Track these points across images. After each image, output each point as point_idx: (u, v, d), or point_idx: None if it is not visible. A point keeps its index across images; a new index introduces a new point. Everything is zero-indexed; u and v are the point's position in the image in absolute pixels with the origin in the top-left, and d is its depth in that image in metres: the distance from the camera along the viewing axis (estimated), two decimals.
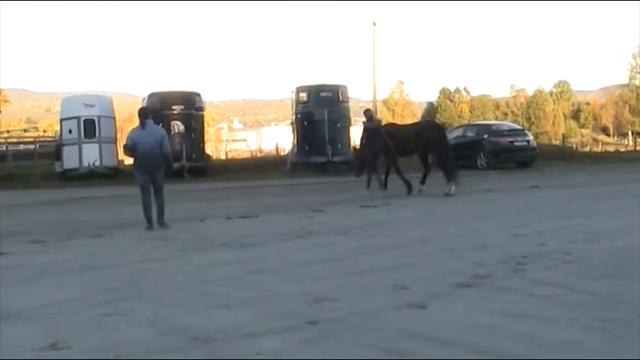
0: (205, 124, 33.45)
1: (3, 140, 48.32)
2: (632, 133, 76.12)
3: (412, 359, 4.36)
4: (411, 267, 7.38)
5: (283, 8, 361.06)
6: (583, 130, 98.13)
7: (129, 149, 11.79)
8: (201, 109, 29.57)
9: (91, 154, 27.20)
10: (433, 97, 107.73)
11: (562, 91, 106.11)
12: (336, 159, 27.50)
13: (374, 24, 40.16)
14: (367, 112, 17.86)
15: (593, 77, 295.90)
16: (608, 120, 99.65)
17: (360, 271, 7.23)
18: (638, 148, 49.34)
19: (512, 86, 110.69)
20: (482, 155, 27.56)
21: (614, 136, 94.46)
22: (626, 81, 76.92)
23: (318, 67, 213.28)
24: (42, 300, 6.34)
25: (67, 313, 5.87)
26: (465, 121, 73.79)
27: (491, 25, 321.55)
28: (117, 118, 31.20)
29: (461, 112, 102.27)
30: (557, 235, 9.15)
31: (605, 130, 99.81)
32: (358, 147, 19.36)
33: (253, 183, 24.13)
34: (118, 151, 28.05)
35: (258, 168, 30.33)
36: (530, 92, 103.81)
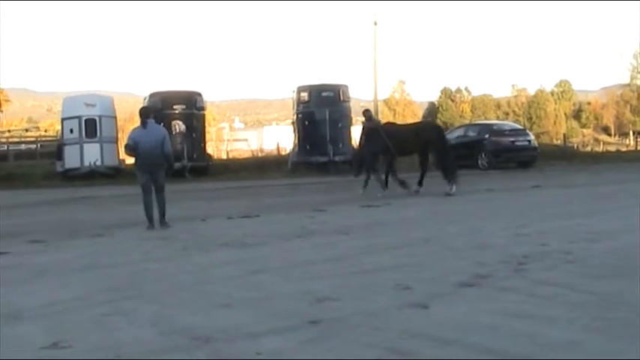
0: (206, 124, 33.46)
1: (4, 140, 48.28)
2: (634, 133, 76.09)
3: (414, 359, 4.35)
4: (413, 267, 7.38)
5: (284, 8, 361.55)
6: (584, 130, 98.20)
7: (130, 149, 11.79)
8: (203, 108, 29.55)
9: (92, 154, 27.20)
10: (434, 96, 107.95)
11: (563, 90, 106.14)
12: (337, 159, 27.48)
13: (375, 24, 40.07)
14: (366, 112, 17.86)
15: (595, 77, 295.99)
16: (609, 120, 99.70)
17: (362, 271, 7.23)
18: (639, 147, 49.28)
19: (513, 86, 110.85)
20: (483, 155, 27.55)
21: (615, 135, 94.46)
22: (627, 81, 76.87)
23: (319, 66, 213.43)
24: (43, 300, 6.35)
25: (68, 312, 5.87)
26: (467, 121, 73.73)
27: (493, 24, 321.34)
28: (118, 118, 31.16)
29: (462, 111, 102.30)
30: (559, 235, 9.14)
31: (606, 130, 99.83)
32: (357, 147, 19.42)
33: (254, 183, 24.13)
34: (119, 151, 28.05)
35: (260, 168, 30.33)
36: (532, 92, 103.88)
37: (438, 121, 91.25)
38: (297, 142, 29.57)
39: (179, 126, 27.69)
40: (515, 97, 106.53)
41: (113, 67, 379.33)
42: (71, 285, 7.09)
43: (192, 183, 24.39)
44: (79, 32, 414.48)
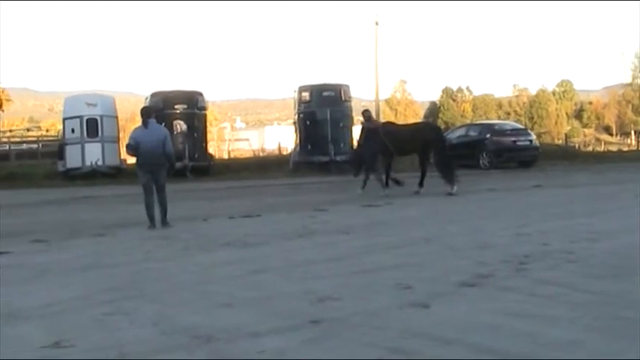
0: (208, 124, 33.48)
1: (6, 139, 48.41)
2: (635, 133, 76.17)
3: (415, 359, 4.35)
4: (414, 266, 7.37)
5: (286, 8, 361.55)
6: (586, 130, 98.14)
7: (131, 148, 11.80)
8: (204, 108, 29.58)
9: (93, 154, 27.25)
10: (436, 96, 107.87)
11: (565, 90, 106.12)
12: (338, 158, 27.49)
13: (376, 23, 40.06)
14: (366, 112, 17.89)
15: (596, 77, 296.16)
16: (610, 119, 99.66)
17: (363, 271, 7.23)
18: None
19: (514, 86, 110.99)
20: (484, 155, 27.58)
21: (616, 135, 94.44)
22: (629, 80, 77.03)
23: (320, 66, 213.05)
24: (45, 299, 6.35)
25: (69, 312, 5.87)
26: (468, 121, 73.76)
27: (494, 24, 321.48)
28: (119, 118, 31.21)
29: (463, 111, 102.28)
30: (560, 235, 9.14)
31: (607, 130, 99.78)
32: (355, 147, 19.49)
33: (256, 182, 24.16)
34: (120, 151, 28.10)
35: (261, 167, 30.36)
36: (533, 92, 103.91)
37: (440, 121, 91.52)
38: (298, 141, 29.59)
39: (180, 126, 27.74)
40: (517, 96, 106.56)
41: (114, 66, 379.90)
42: (72, 284, 7.10)
43: (193, 183, 24.41)
44: (80, 32, 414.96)
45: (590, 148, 54.69)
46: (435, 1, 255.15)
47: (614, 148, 56.68)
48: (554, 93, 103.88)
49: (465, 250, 8.25)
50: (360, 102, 51.50)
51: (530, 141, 29.04)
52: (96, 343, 4.86)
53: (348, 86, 29.85)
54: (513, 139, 28.29)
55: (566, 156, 33.04)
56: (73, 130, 27.67)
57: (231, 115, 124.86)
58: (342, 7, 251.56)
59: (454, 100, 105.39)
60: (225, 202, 16.94)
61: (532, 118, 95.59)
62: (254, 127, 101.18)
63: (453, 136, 30.21)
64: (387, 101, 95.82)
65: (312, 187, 21.39)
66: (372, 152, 16.67)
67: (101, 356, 4.57)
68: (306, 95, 28.93)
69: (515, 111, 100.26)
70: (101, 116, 27.75)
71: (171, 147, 12.02)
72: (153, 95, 28.30)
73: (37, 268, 8.16)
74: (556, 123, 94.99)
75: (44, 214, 15.30)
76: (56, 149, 30.22)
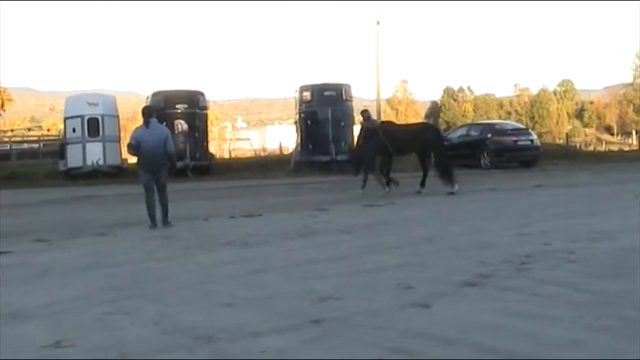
0: (209, 123, 33.47)
1: (7, 139, 48.43)
2: (636, 133, 76.06)
3: (416, 358, 4.35)
4: (416, 266, 7.37)
5: (287, 7, 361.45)
6: (587, 130, 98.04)
7: (133, 148, 11.80)
8: (205, 107, 29.57)
9: (94, 153, 27.25)
10: (437, 96, 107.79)
11: (566, 90, 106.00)
12: (339, 158, 27.47)
13: (378, 23, 40.05)
14: (364, 112, 17.92)
15: (597, 76, 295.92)
16: (612, 119, 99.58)
17: (364, 270, 7.22)
18: None
19: (515, 85, 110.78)
20: (485, 154, 27.56)
21: (617, 135, 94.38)
22: (630, 80, 76.78)
23: (321, 66, 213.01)
24: (46, 298, 6.35)
25: (70, 311, 5.88)
26: (469, 121, 73.75)
27: (495, 24, 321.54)
28: (120, 117, 31.24)
29: (464, 111, 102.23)
30: (561, 235, 9.13)
31: (608, 130, 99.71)
32: (354, 147, 19.54)
33: (257, 182, 24.16)
34: (121, 150, 28.12)
35: (262, 167, 30.36)
36: (534, 91, 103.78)
37: (441, 121, 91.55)
38: (299, 141, 29.60)
39: (182, 125, 27.74)
40: (518, 96, 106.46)
41: (116, 66, 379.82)
42: (74, 284, 7.10)
43: (194, 182, 24.41)
44: (81, 31, 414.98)
45: (591, 148, 54.62)
46: (437, 1, 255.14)
47: (615, 148, 56.64)
48: (555, 93, 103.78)
49: (467, 250, 8.25)
50: (362, 101, 51.53)
51: (532, 141, 29.02)
52: (97, 343, 4.87)
53: (349, 86, 29.85)
54: (514, 138, 28.27)
55: (567, 156, 33.01)
56: (74, 130, 27.68)
57: (232, 115, 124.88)
58: (343, 6, 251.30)
59: (455, 100, 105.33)
60: (226, 201, 16.94)
61: (533, 117, 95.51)
62: (255, 127, 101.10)
63: (454, 135, 30.21)
64: (389, 101, 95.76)
65: (313, 186, 21.40)
66: (371, 152, 16.70)
67: (102, 356, 4.57)
68: (307, 95, 28.92)
69: (516, 111, 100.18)
70: (102, 116, 27.75)
71: (173, 146, 12.02)
72: (154, 95, 28.31)
73: (39, 267, 8.17)
74: (557, 123, 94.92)
75: (45, 214, 15.31)
76: (57, 149, 30.22)
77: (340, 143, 28.03)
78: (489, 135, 28.22)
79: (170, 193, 12.09)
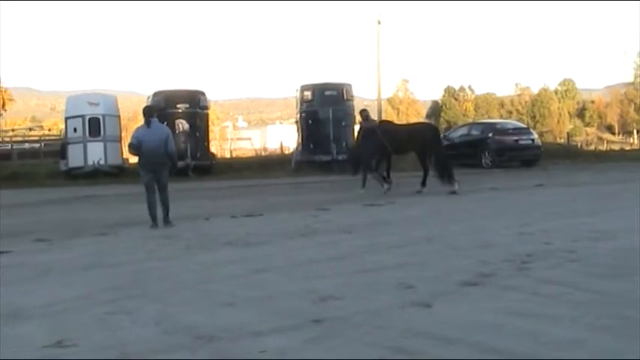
0: (210, 123, 33.45)
1: (8, 139, 48.46)
2: (638, 132, 76.06)
3: (417, 358, 4.35)
4: (416, 265, 7.37)
5: (288, 7, 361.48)
6: (588, 129, 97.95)
7: (134, 148, 11.80)
8: (206, 107, 29.57)
9: (95, 153, 27.25)
10: (438, 95, 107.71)
11: (567, 89, 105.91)
12: (340, 157, 27.45)
13: (379, 22, 40.02)
14: (363, 112, 17.97)
15: (598, 75, 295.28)
16: (613, 118, 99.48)
17: (365, 270, 7.23)
18: None
19: (517, 84, 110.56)
20: (486, 154, 27.54)
21: (619, 134, 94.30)
22: (631, 79, 76.91)
23: (322, 65, 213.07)
24: (47, 298, 6.36)
25: (72, 311, 5.88)
26: (470, 120, 73.71)
27: (496, 23, 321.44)
28: (121, 117, 31.25)
29: (465, 110, 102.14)
30: (562, 234, 9.13)
31: (610, 129, 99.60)
32: (352, 146, 19.58)
33: (258, 182, 24.16)
34: (122, 150, 28.11)
35: (263, 166, 30.35)
36: (535, 90, 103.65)
37: (442, 120, 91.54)
38: (300, 140, 29.59)
39: (182, 125, 27.74)
40: (519, 95, 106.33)
41: (117, 66, 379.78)
42: (75, 284, 7.11)
43: (195, 182, 24.41)
44: (82, 31, 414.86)
45: (592, 147, 54.52)
46: (438, 1, 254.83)
47: (616, 147, 56.60)
48: (556, 92, 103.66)
49: (467, 250, 8.25)
50: (363, 101, 51.45)
51: (533, 140, 29.00)
52: (98, 343, 4.87)
53: (350, 85, 29.85)
54: (515, 138, 28.27)
55: (569, 155, 32.99)
56: (75, 130, 27.68)
57: (233, 115, 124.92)
58: (344, 6, 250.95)
59: (456, 99, 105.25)
60: (227, 201, 16.95)
61: (534, 117, 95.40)
62: (256, 127, 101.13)
63: (455, 135, 30.22)
64: (390, 100, 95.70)
65: (314, 186, 21.40)
66: (370, 151, 16.73)
67: (103, 355, 4.58)
68: (308, 94, 28.92)
69: (517, 110, 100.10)
70: (103, 115, 27.75)
71: (174, 146, 12.03)
72: (155, 94, 28.32)
73: (40, 267, 8.17)
74: (558, 122, 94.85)
75: (46, 214, 15.31)
76: (58, 148, 30.24)
77: (341, 143, 28.02)
78: (490, 134, 28.21)
79: (171, 192, 12.09)
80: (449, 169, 16.41)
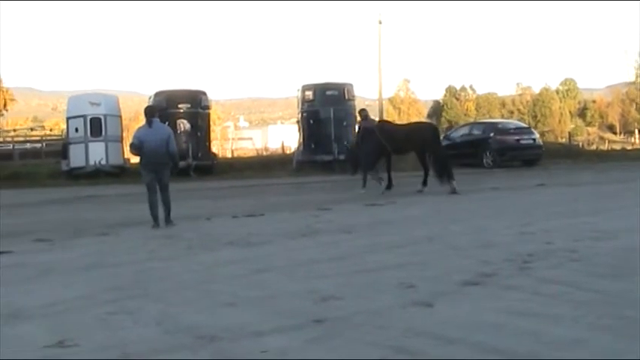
0: (211, 123, 33.50)
1: (10, 139, 48.47)
2: (639, 131, 75.94)
3: (418, 358, 4.35)
4: (417, 265, 7.37)
5: (289, 6, 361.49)
6: (589, 128, 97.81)
7: (135, 148, 11.81)
8: (208, 107, 29.61)
9: (97, 153, 27.29)
10: (439, 95, 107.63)
11: (568, 89, 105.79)
12: (342, 157, 27.47)
13: (380, 22, 40.05)
14: (362, 111, 18.00)
15: (600, 75, 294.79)
16: (614, 118, 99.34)
17: (366, 270, 7.23)
18: None
19: (518, 84, 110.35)
20: (488, 153, 27.54)
21: (620, 134, 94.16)
22: (632, 79, 76.78)
23: (324, 65, 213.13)
24: (48, 298, 6.36)
25: (73, 311, 5.88)
26: (471, 120, 73.68)
27: (497, 23, 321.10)
28: (123, 117, 31.30)
29: (467, 110, 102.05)
30: (564, 234, 9.13)
31: (611, 128, 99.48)
32: (351, 146, 19.61)
33: (259, 181, 24.17)
34: (124, 150, 28.16)
35: (264, 166, 30.37)
36: (537, 90, 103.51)
37: (443, 120, 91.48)
38: (301, 140, 29.61)
39: (184, 125, 27.76)
40: (520, 95, 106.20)
41: (118, 66, 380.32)
42: (76, 284, 7.11)
43: (197, 182, 24.43)
44: (84, 31, 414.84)
45: (593, 147, 54.45)
46: (439, 0, 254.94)
47: (617, 147, 56.50)
48: (557, 91, 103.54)
49: (469, 249, 8.25)
50: (364, 101, 51.41)
51: (534, 140, 29.00)
52: (99, 343, 4.87)
53: (351, 85, 29.85)
54: (517, 137, 28.26)
55: (570, 154, 32.98)
56: (76, 130, 27.73)
57: (234, 114, 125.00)
58: (345, 6, 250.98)
59: (457, 99, 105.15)
60: (228, 201, 16.95)
61: (535, 116, 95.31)
62: (257, 126, 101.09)
63: (457, 135, 30.23)
64: (391, 100, 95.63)
65: (316, 186, 21.40)
66: (368, 151, 16.75)
67: (105, 356, 4.58)
68: (309, 94, 28.94)
69: (518, 109, 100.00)
70: (105, 115, 27.80)
71: (175, 146, 12.03)
72: (156, 94, 28.34)
73: (41, 267, 8.18)
74: (559, 121, 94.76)
75: (48, 214, 15.32)
76: (60, 148, 30.29)
77: (342, 143, 27.99)
78: (492, 134, 28.21)
79: (172, 192, 12.10)
80: (448, 169, 16.41)
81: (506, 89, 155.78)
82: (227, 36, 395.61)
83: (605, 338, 4.56)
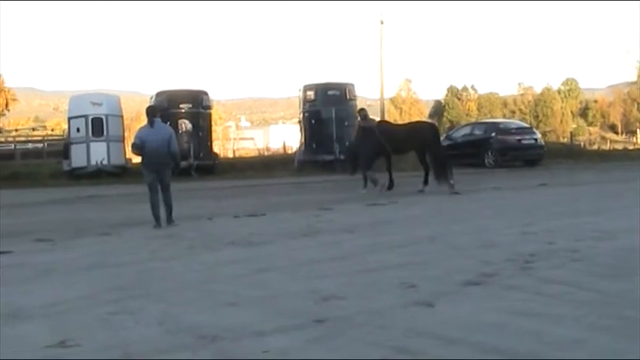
0: (213, 123, 33.54)
1: (11, 139, 48.47)
2: None
3: (419, 358, 4.35)
4: (418, 265, 7.37)
5: (290, 6, 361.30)
6: (591, 128, 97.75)
7: (137, 148, 11.82)
8: (209, 107, 29.64)
9: (98, 153, 27.32)
10: (441, 95, 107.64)
11: (570, 89, 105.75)
12: (343, 157, 27.47)
13: (381, 22, 40.04)
14: (362, 111, 18.01)
15: (601, 75, 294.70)
16: (616, 118, 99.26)
17: (368, 270, 7.22)
18: None
19: (519, 84, 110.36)
20: (489, 153, 27.55)
21: (622, 133, 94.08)
22: (634, 78, 76.72)
23: (325, 65, 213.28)
24: (50, 298, 6.36)
25: (74, 311, 5.89)
26: (473, 119, 73.66)
27: (499, 23, 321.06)
28: (124, 117, 31.30)
29: (468, 110, 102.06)
30: (565, 233, 9.12)
31: (613, 128, 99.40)
32: (350, 146, 19.65)
33: (261, 181, 24.17)
34: (125, 150, 28.17)
35: (266, 166, 30.37)
36: (538, 90, 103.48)
37: (445, 120, 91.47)
38: (303, 140, 29.63)
39: (185, 125, 27.79)
40: (522, 95, 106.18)
41: (120, 66, 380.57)
42: (78, 284, 7.11)
43: (198, 182, 24.44)
44: (85, 31, 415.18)
45: (595, 147, 54.46)
46: (440, 1, 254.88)
47: (619, 147, 56.51)
48: (559, 91, 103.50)
49: (470, 249, 8.24)
50: (365, 101, 51.43)
51: (536, 139, 28.99)
52: (101, 343, 4.87)
53: (353, 85, 29.87)
54: (518, 137, 28.25)
55: (572, 154, 32.97)
56: (78, 130, 27.75)
57: (235, 114, 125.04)
58: (347, 6, 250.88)
59: (459, 99, 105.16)
60: (230, 201, 16.95)
61: (537, 116, 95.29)
62: (259, 126, 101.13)
63: (458, 134, 30.23)
64: (392, 100, 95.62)
65: (317, 185, 21.41)
66: (368, 151, 16.76)
67: (106, 356, 4.58)
68: (311, 94, 28.96)
69: (520, 109, 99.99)
70: (106, 115, 27.82)
71: (177, 146, 12.05)
72: (158, 94, 28.36)
73: (43, 267, 8.18)
74: (561, 121, 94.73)
75: (49, 214, 15.33)
76: (61, 148, 30.33)
77: (344, 142, 27.98)
78: (493, 134, 28.21)
79: (174, 192, 12.10)
80: (447, 169, 16.40)
81: (507, 89, 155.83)
82: (228, 36, 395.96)
83: (606, 338, 4.55)
